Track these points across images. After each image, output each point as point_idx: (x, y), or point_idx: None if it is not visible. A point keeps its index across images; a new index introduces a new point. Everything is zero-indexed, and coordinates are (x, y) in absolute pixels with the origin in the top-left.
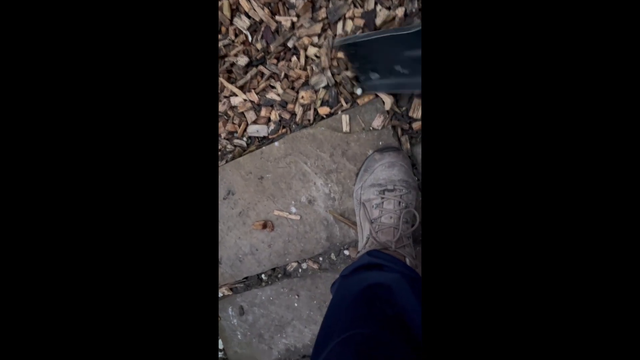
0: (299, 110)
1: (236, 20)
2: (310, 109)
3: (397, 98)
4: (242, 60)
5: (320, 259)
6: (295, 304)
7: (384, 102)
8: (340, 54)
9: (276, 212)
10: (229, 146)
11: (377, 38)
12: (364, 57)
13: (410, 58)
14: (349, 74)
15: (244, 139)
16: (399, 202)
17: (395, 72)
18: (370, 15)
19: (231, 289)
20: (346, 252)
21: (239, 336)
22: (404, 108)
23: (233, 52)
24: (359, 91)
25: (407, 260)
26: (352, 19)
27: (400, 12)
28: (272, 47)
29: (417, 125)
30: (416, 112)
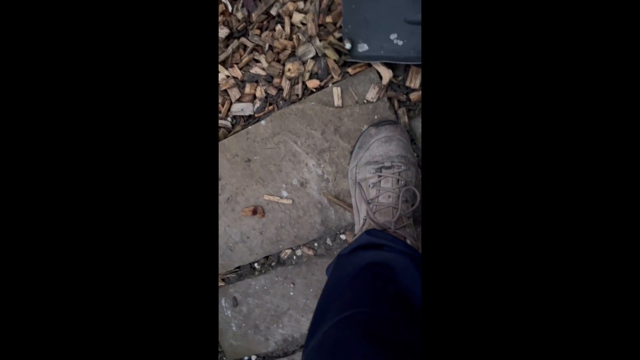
0: (286, 85)
1: None
2: (298, 83)
3: (392, 67)
4: (222, 32)
5: (316, 244)
6: (291, 293)
7: (381, 77)
8: (329, 18)
9: (266, 197)
10: None
11: None
12: (363, 18)
13: (410, 24)
14: (336, 34)
15: (228, 119)
16: (398, 180)
17: (389, 42)
18: None
19: (223, 280)
20: (342, 237)
21: (234, 328)
22: (400, 78)
23: None
24: (348, 45)
25: (408, 241)
26: None
27: None
28: (254, 16)
29: (415, 96)
30: (414, 82)
